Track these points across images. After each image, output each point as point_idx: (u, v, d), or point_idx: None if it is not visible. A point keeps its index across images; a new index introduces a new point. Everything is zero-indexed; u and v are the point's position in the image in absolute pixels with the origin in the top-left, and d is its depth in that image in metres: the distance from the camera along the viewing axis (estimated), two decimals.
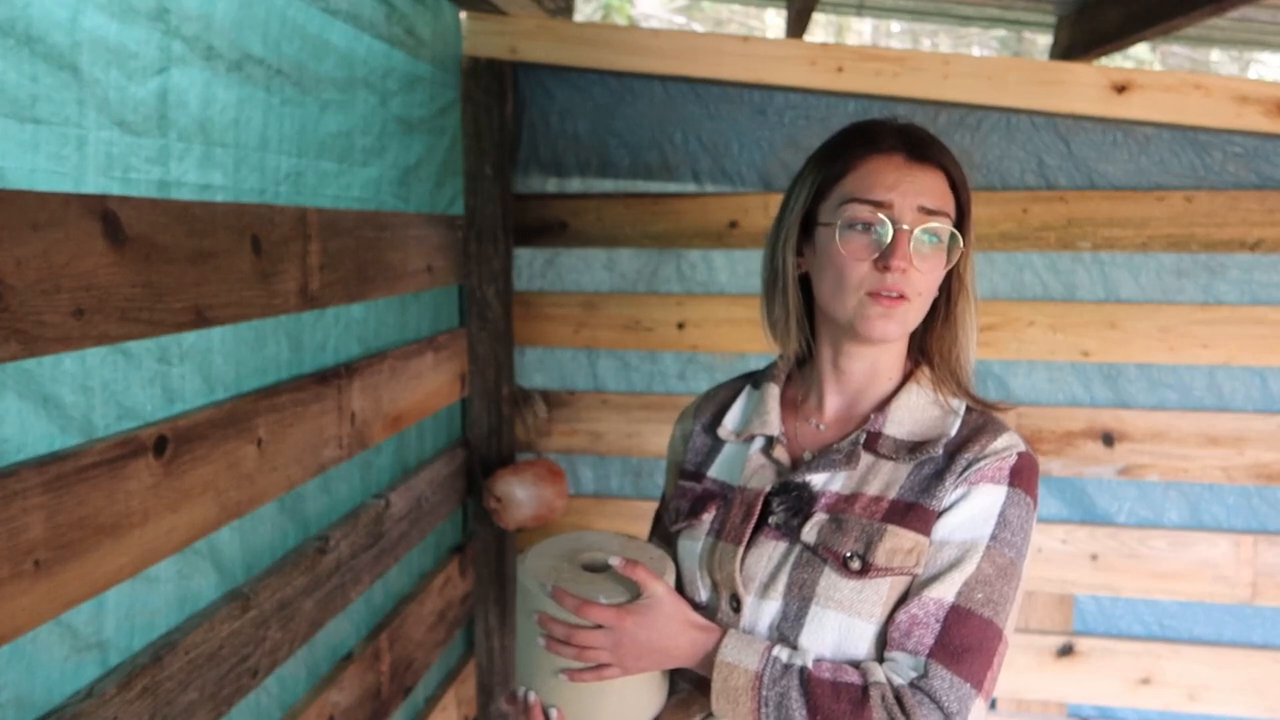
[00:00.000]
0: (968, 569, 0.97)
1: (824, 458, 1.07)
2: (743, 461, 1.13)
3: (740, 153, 2.18)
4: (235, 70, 1.19)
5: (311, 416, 1.39)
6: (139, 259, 0.99)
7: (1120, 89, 1.89)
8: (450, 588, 2.08)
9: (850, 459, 1.05)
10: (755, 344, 2.20)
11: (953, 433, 1.05)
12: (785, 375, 1.20)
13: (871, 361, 1.10)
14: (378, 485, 1.73)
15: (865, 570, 0.98)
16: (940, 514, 1.01)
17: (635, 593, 1.03)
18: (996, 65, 1.93)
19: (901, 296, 1.02)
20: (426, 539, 1.98)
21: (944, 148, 1.07)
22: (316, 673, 1.53)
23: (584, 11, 8.12)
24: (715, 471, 1.17)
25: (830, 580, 1.00)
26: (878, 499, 1.03)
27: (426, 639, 1.94)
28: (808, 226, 1.10)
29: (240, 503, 1.20)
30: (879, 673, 0.95)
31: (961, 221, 1.07)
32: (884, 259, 1.01)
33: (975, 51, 10.98)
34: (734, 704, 0.97)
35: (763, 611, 1.03)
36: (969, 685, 0.93)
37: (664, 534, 1.23)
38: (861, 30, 11.62)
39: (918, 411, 1.08)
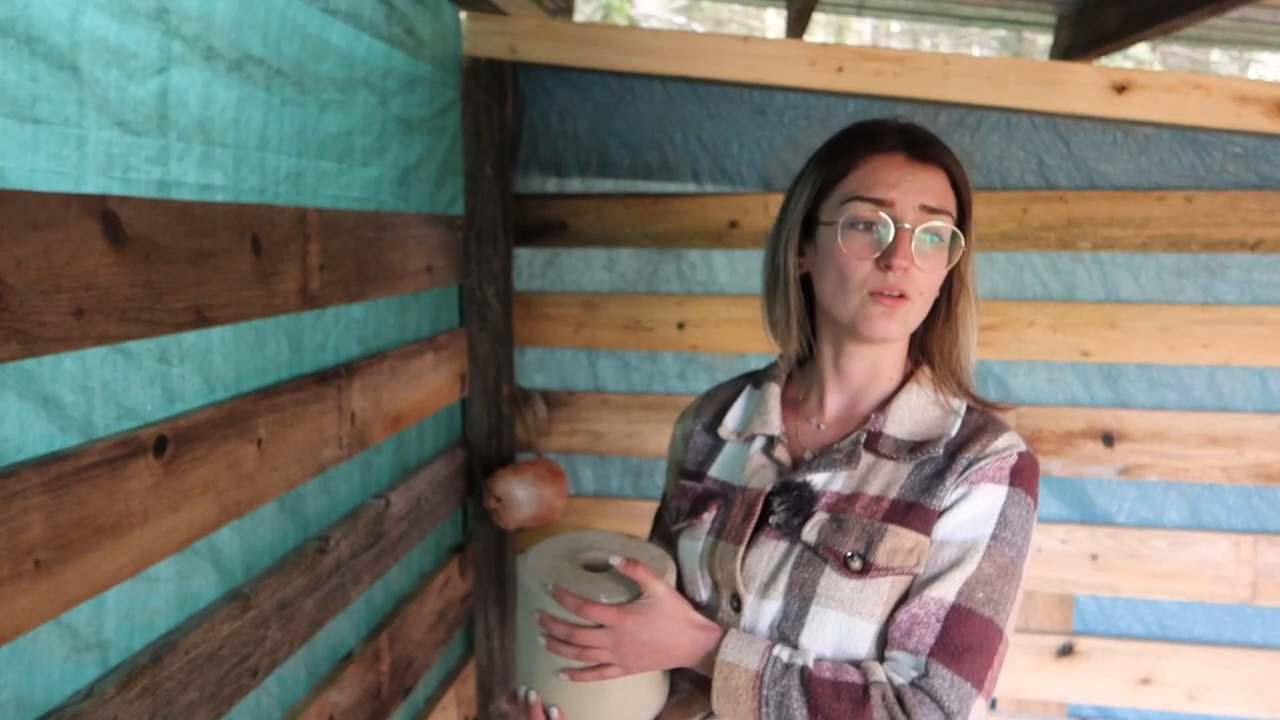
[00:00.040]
0: (968, 568, 0.97)
1: (825, 457, 1.07)
2: (743, 461, 1.13)
3: (740, 153, 2.18)
4: (235, 70, 1.19)
5: (311, 416, 1.39)
6: (139, 259, 0.99)
7: (1120, 89, 1.89)
8: (450, 588, 2.08)
9: (851, 459, 1.05)
10: (755, 344, 2.20)
11: (953, 432, 1.05)
12: (786, 375, 1.20)
13: (873, 361, 1.10)
14: (378, 485, 1.73)
15: (866, 570, 0.99)
16: (941, 513, 1.01)
17: (636, 592, 1.03)
18: (996, 65, 1.93)
19: (903, 296, 1.02)
20: (426, 539, 1.98)
21: (945, 147, 1.07)
22: (316, 673, 1.53)
23: (584, 11, 8.12)
24: (716, 471, 1.17)
25: (831, 580, 1.00)
26: (878, 499, 1.03)
27: (426, 639, 1.94)
28: (809, 226, 1.10)
29: (240, 503, 1.20)
30: (880, 672, 0.95)
31: (963, 221, 1.07)
32: (886, 258, 1.01)
33: (975, 51, 10.98)
34: (735, 703, 0.97)
35: (763, 611, 1.03)
36: (969, 685, 0.94)
37: (664, 533, 1.23)
38: (861, 30, 11.62)
39: (918, 411, 1.08)
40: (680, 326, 2.24)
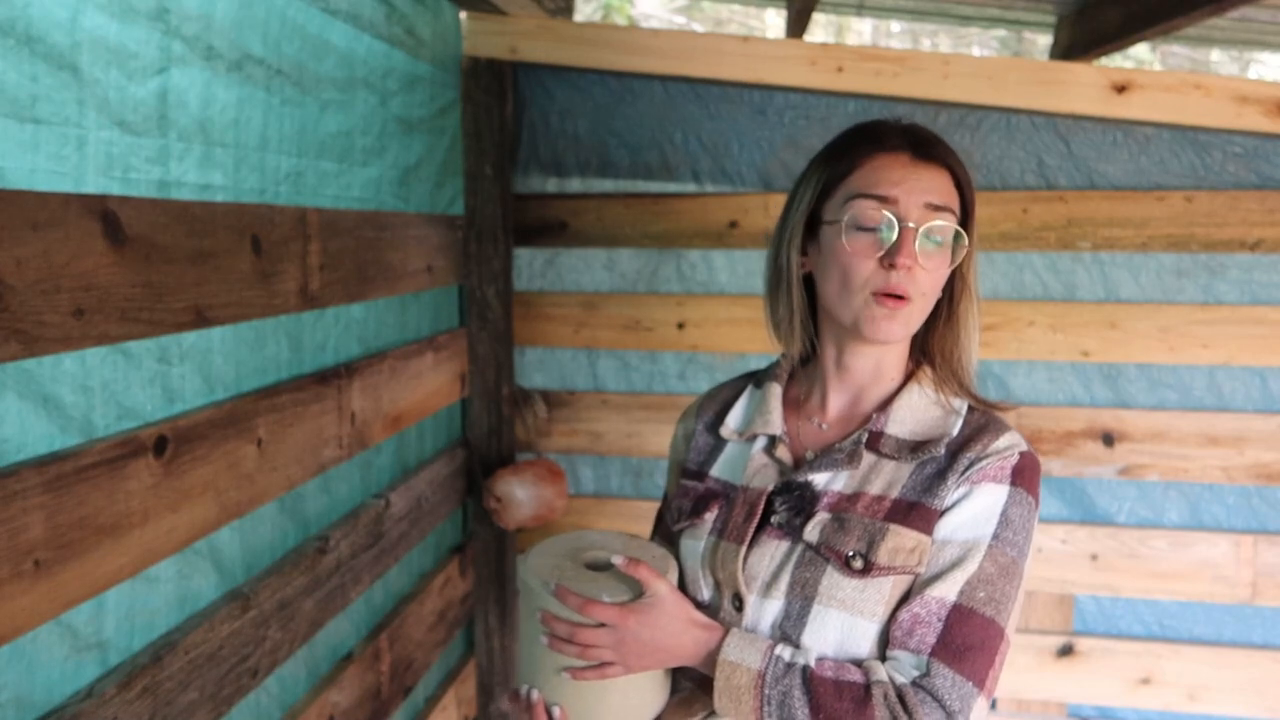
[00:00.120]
0: (970, 568, 0.97)
1: (826, 457, 1.07)
2: (745, 461, 1.13)
3: (740, 153, 2.18)
4: (235, 70, 1.19)
5: (311, 416, 1.39)
6: (139, 259, 0.99)
7: (1120, 89, 1.89)
8: (450, 588, 2.08)
9: (852, 458, 1.05)
10: (755, 344, 2.20)
11: (955, 432, 1.05)
12: (788, 374, 1.20)
13: (875, 361, 1.10)
14: (378, 485, 1.73)
15: (867, 569, 0.99)
16: (942, 513, 1.01)
17: (638, 591, 1.03)
18: (996, 65, 1.93)
19: (905, 297, 1.02)
20: (426, 539, 1.98)
21: (949, 147, 1.07)
22: (316, 673, 1.53)
23: (584, 11, 8.12)
24: (718, 471, 1.17)
25: (832, 579, 1.00)
26: (880, 498, 1.03)
27: (426, 639, 1.94)
28: (812, 226, 1.10)
29: (240, 503, 1.20)
30: (881, 671, 0.95)
31: (966, 221, 1.07)
32: (890, 257, 1.01)
33: (975, 51, 10.98)
34: (736, 702, 0.97)
35: (765, 610, 1.03)
36: (971, 684, 0.94)
37: (666, 533, 1.23)
38: (861, 30, 11.62)
39: (920, 411, 1.08)
40: (680, 326, 2.24)
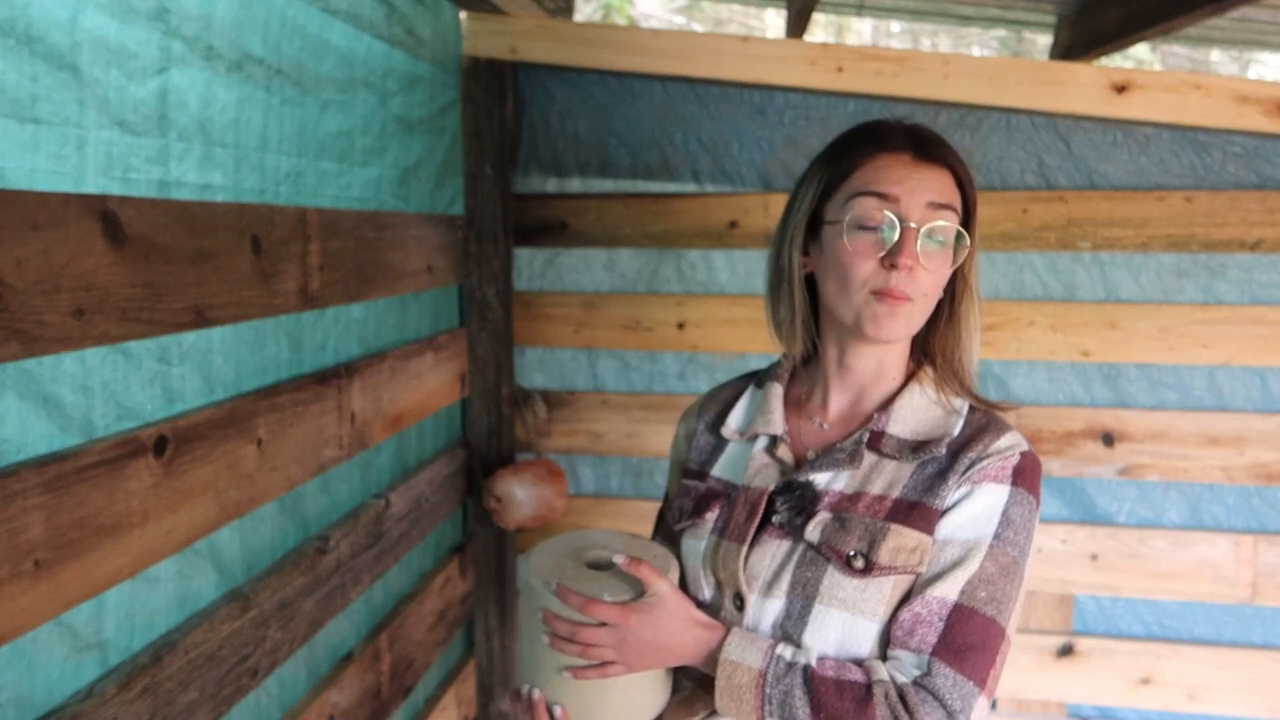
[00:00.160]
0: (971, 568, 0.97)
1: (827, 457, 1.07)
2: (746, 460, 1.13)
3: (740, 153, 2.18)
4: (235, 70, 1.19)
5: (311, 416, 1.39)
6: (139, 259, 0.99)
7: (1120, 89, 1.89)
8: (450, 588, 2.08)
9: (854, 458, 1.06)
10: (755, 344, 2.20)
11: (956, 432, 1.05)
12: (789, 374, 1.20)
13: (876, 360, 1.10)
14: (378, 485, 1.73)
15: (868, 569, 0.99)
16: (943, 513, 1.01)
17: (639, 591, 1.03)
18: (996, 65, 1.93)
19: (906, 297, 1.02)
20: (426, 539, 1.98)
21: (951, 147, 1.07)
22: (316, 673, 1.53)
23: (584, 11, 8.12)
24: (719, 470, 1.17)
25: (834, 579, 1.00)
26: (881, 498, 1.03)
27: (426, 639, 1.94)
28: (814, 226, 1.10)
29: (240, 503, 1.20)
30: (882, 671, 0.95)
31: (968, 221, 1.07)
32: (891, 257, 1.01)
33: (975, 51, 10.98)
34: (738, 702, 0.97)
35: (766, 610, 1.03)
36: (972, 683, 0.94)
37: (667, 533, 1.23)
38: (861, 30, 11.62)
39: (921, 411, 1.08)
40: (680, 326, 2.24)
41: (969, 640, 0.95)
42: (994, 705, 2.25)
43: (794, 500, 1.05)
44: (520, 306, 2.26)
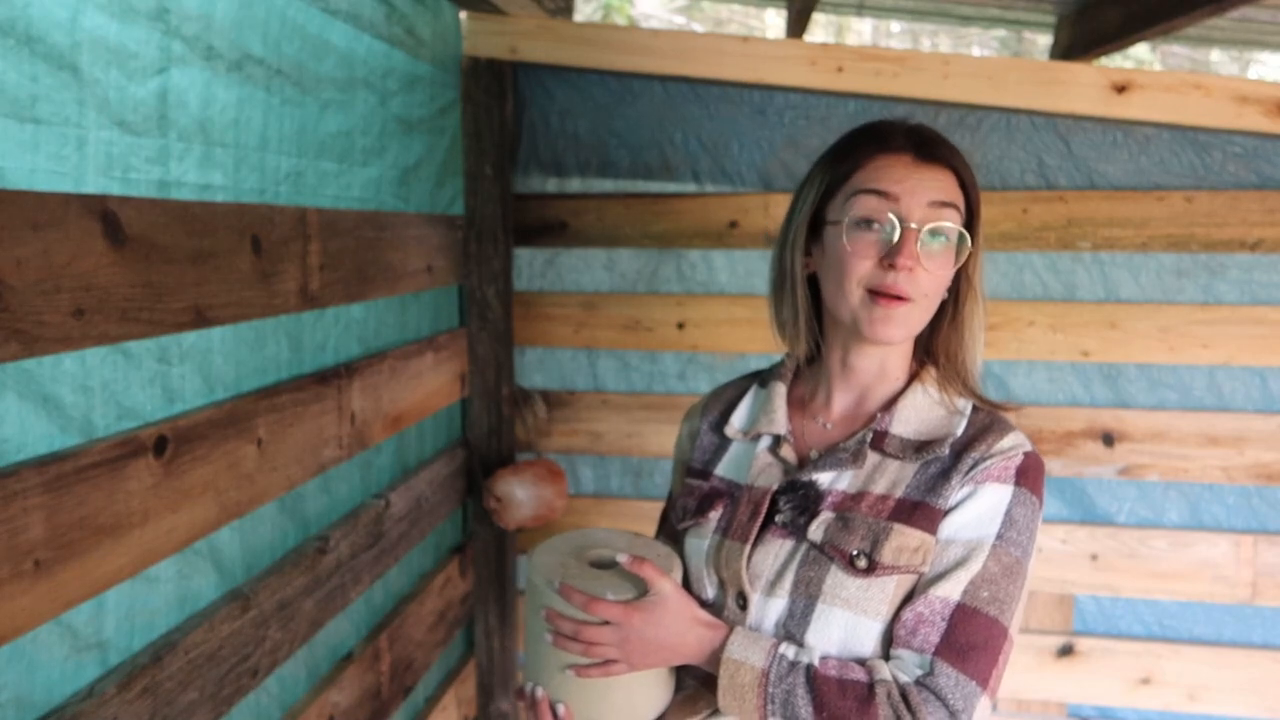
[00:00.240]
0: (974, 568, 0.97)
1: (831, 456, 1.07)
2: (750, 460, 1.13)
3: (740, 153, 2.18)
4: (235, 70, 1.19)
5: (311, 416, 1.39)
6: (139, 259, 0.99)
7: (1120, 89, 1.89)
8: (450, 588, 2.08)
9: (857, 458, 1.06)
10: (755, 344, 2.20)
11: (959, 432, 1.05)
12: (792, 374, 1.20)
13: (879, 361, 1.11)
14: (378, 485, 1.73)
15: (871, 568, 0.99)
16: (946, 513, 1.01)
17: (642, 590, 1.03)
18: (996, 65, 1.93)
19: (903, 298, 1.01)
20: (426, 539, 1.98)
21: (954, 148, 1.07)
22: (316, 673, 1.53)
23: (584, 11, 8.12)
24: (722, 470, 1.17)
25: (836, 578, 1.00)
26: (884, 498, 1.03)
27: (426, 639, 1.94)
28: (816, 226, 1.10)
29: (240, 503, 1.20)
30: (885, 670, 0.95)
31: (971, 222, 1.07)
32: (889, 257, 1.01)
33: (975, 51, 10.98)
34: (740, 701, 0.97)
35: (769, 609, 1.03)
36: (974, 683, 0.94)
37: (671, 532, 1.23)
38: (861, 30, 11.63)
39: (924, 411, 1.08)
40: (680, 326, 2.24)
41: (971, 640, 0.95)
42: (994, 706, 2.25)
43: (797, 500, 1.05)
44: (520, 306, 2.26)
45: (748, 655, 0.98)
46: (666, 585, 1.03)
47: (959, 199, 1.05)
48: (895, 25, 11.52)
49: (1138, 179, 2.09)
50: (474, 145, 2.08)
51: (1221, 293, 2.09)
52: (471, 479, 2.16)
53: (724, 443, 1.19)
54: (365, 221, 1.57)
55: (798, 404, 1.17)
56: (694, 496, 1.16)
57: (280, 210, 1.29)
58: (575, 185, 2.23)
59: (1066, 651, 2.20)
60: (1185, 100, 1.88)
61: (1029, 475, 1.03)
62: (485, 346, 2.16)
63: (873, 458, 1.06)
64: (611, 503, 2.32)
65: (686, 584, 1.12)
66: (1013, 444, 1.04)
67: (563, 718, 1.05)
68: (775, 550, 1.05)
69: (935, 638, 0.95)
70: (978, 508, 1.00)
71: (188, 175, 1.11)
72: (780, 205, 2.16)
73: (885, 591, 0.99)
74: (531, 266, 2.28)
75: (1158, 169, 2.08)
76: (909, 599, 0.99)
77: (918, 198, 1.02)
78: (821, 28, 10.74)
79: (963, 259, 1.05)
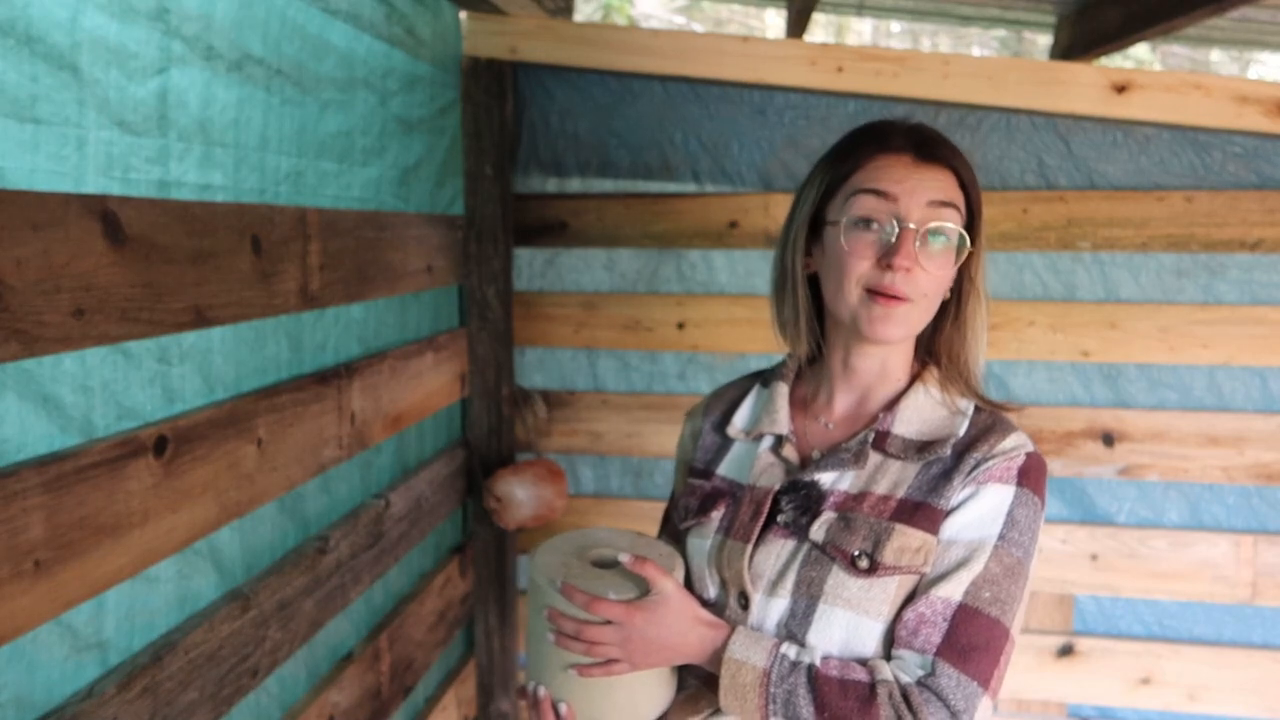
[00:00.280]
0: (975, 568, 0.97)
1: (833, 456, 1.07)
2: (752, 460, 1.13)
3: (740, 153, 2.18)
4: (235, 70, 1.19)
5: (311, 416, 1.39)
6: (139, 259, 0.99)
7: (1120, 89, 1.89)
8: (450, 588, 2.08)
9: (859, 458, 1.06)
10: (755, 344, 2.20)
11: (961, 433, 1.05)
12: (794, 374, 1.20)
13: (880, 361, 1.11)
14: (378, 485, 1.73)
15: (873, 569, 0.99)
16: (948, 513, 1.01)
17: (644, 589, 1.03)
18: (996, 65, 1.93)
19: (901, 298, 1.01)
20: (426, 539, 1.98)
21: (954, 148, 1.07)
22: (316, 673, 1.53)
23: (584, 11, 8.12)
24: (724, 470, 1.17)
25: (838, 578, 1.00)
26: (886, 498, 1.03)
27: (426, 639, 1.94)
28: (816, 226, 1.11)
29: (240, 503, 1.20)
30: (886, 670, 0.95)
31: (972, 222, 1.07)
32: (887, 257, 1.01)
33: (975, 51, 10.98)
34: (742, 700, 0.97)
35: (771, 609, 1.03)
36: (976, 684, 0.94)
37: (674, 531, 1.24)
38: (861, 30, 11.63)
39: (926, 411, 1.08)
40: (680, 326, 2.24)
41: (973, 641, 0.95)
42: (995, 706, 2.25)
43: (799, 500, 1.05)
44: (520, 306, 2.26)
45: (749, 655, 0.98)
46: (668, 585, 1.03)
47: (959, 199, 1.05)
48: (895, 25, 11.52)
49: (1138, 179, 2.09)
50: (474, 145, 2.08)
51: (1221, 293, 2.09)
52: (471, 479, 2.16)
53: (726, 443, 1.20)
54: (365, 221, 1.56)
55: (800, 404, 1.17)
56: (696, 496, 1.17)
57: (280, 210, 1.29)
58: (575, 185, 2.23)
59: (1066, 651, 2.20)
60: (1185, 100, 1.88)
61: (1031, 476, 1.03)
62: (485, 346, 2.16)
63: (875, 458, 1.06)
64: (611, 503, 2.32)
65: (689, 584, 1.12)
66: (1015, 444, 1.04)
67: (565, 717, 1.05)
68: (777, 550, 1.05)
69: (937, 638, 0.95)
70: (980, 508, 1.00)
71: (188, 175, 1.11)
72: (780, 205, 2.16)
73: (887, 592, 0.99)
74: (531, 266, 2.28)
75: (1158, 169, 2.08)
76: (910, 599, 0.99)
77: (916, 198, 1.02)
78: (821, 28, 10.74)
79: (962, 259, 1.05)
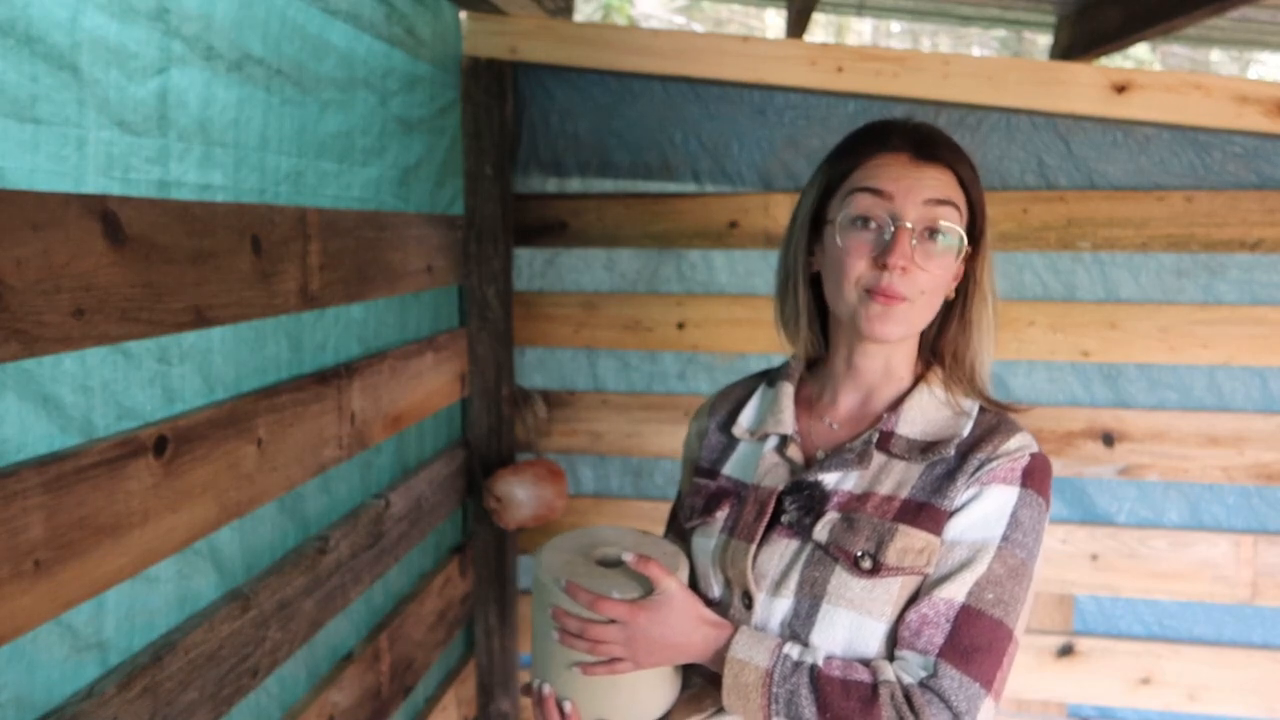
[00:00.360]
0: (978, 569, 0.97)
1: (837, 457, 1.07)
2: (757, 459, 1.14)
3: (740, 153, 2.18)
4: (235, 70, 1.19)
5: (311, 416, 1.39)
6: (139, 259, 0.99)
7: (1120, 89, 1.89)
8: (450, 588, 2.08)
9: (862, 458, 1.06)
10: (755, 344, 2.20)
11: (965, 433, 1.05)
12: (799, 374, 1.20)
13: (884, 360, 1.11)
14: (378, 485, 1.73)
15: (876, 569, 0.99)
16: (952, 514, 1.01)
17: (648, 588, 1.03)
18: (996, 65, 1.93)
19: (899, 297, 1.01)
20: (426, 539, 1.98)
21: (955, 147, 1.07)
22: (316, 673, 1.53)
23: (584, 11, 8.12)
24: (730, 469, 1.17)
25: (841, 579, 1.00)
26: (889, 498, 1.03)
27: (426, 639, 1.94)
28: (818, 225, 1.11)
29: (240, 503, 1.20)
30: (889, 671, 0.95)
31: (974, 221, 1.07)
32: (883, 256, 1.01)
33: (975, 51, 10.98)
34: (745, 700, 0.97)
35: (774, 609, 1.03)
36: (978, 685, 0.94)
37: (679, 530, 1.24)
38: (861, 30, 11.63)
39: (930, 412, 1.08)
40: (680, 326, 2.24)
41: (976, 642, 0.95)
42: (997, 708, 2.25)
43: (802, 500, 1.05)
44: (520, 306, 2.26)
45: (752, 655, 0.98)
46: (672, 584, 1.03)
47: (958, 198, 1.05)
48: (895, 25, 11.53)
49: (1138, 179, 2.09)
50: (474, 145, 2.08)
51: (1221, 293, 2.09)
52: (471, 479, 2.16)
53: (732, 442, 1.20)
54: (365, 221, 1.56)
55: (805, 404, 1.17)
56: (701, 496, 1.17)
57: (280, 210, 1.29)
58: (575, 185, 2.23)
59: (1066, 651, 2.20)
60: (1185, 100, 1.88)
61: (1035, 477, 1.02)
62: (485, 346, 2.16)
63: (879, 458, 1.06)
64: (611, 503, 2.32)
65: (694, 583, 1.12)
66: (1019, 445, 1.04)
67: (569, 715, 1.06)
68: (781, 550, 1.05)
69: (939, 639, 0.95)
70: (983, 509, 1.00)
71: (188, 175, 1.11)
72: (780, 205, 2.16)
73: (890, 592, 0.99)
74: (531, 266, 2.28)
75: (1158, 169, 2.08)
76: (914, 600, 0.99)
77: (913, 196, 1.02)
78: (821, 28, 10.74)
79: (961, 258, 1.05)
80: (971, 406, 1.09)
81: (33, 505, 0.86)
